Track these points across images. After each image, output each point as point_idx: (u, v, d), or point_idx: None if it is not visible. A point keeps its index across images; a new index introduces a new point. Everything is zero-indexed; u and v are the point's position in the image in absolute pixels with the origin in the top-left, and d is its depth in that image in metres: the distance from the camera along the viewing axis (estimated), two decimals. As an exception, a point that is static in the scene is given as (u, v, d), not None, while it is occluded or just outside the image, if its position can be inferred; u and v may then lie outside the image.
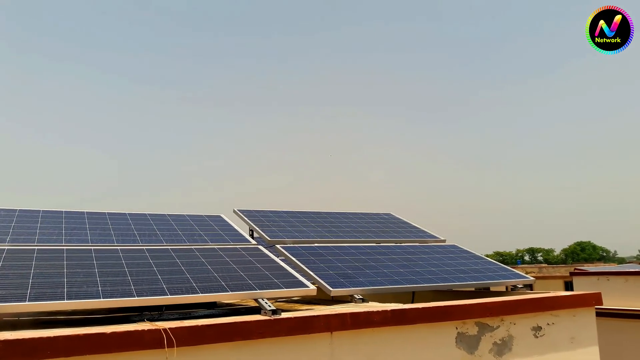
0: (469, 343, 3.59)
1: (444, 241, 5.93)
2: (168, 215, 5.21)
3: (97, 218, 4.85)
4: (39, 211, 4.79)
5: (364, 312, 3.21)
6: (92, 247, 3.98)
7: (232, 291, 3.27)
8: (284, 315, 3.05)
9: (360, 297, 4.01)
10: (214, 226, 5.01)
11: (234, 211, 5.69)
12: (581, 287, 10.01)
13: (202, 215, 5.38)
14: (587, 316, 4.21)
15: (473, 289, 5.15)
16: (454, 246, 5.75)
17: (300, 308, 3.82)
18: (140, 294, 3.11)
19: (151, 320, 3.20)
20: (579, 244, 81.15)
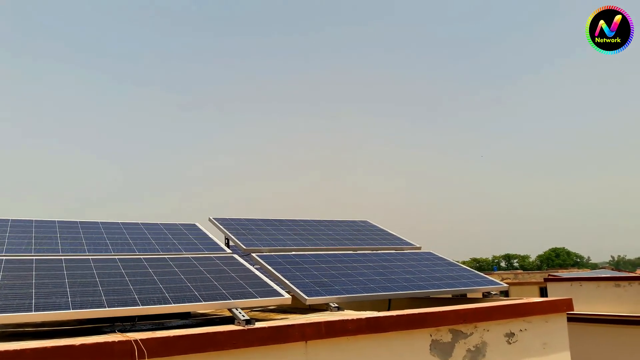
0: (443, 350, 3.61)
1: (419, 248, 5.97)
2: (141, 224, 5.14)
3: (68, 227, 4.76)
4: (7, 220, 4.68)
5: (339, 321, 3.20)
6: (62, 257, 3.90)
7: (205, 301, 3.24)
8: (257, 325, 3.03)
9: (336, 305, 4.01)
10: (189, 235, 4.96)
11: (210, 219, 5.64)
12: (555, 292, 10.17)
13: (176, 224, 5.32)
14: (559, 322, 4.28)
15: (450, 296, 5.20)
16: (429, 253, 5.79)
17: (275, 317, 3.80)
18: (111, 304, 3.05)
19: (123, 331, 3.14)
20: (554, 250, 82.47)
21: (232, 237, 5.17)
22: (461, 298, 5.17)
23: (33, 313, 2.81)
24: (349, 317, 3.27)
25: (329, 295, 4.01)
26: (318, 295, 3.96)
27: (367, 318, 3.31)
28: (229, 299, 3.31)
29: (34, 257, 3.81)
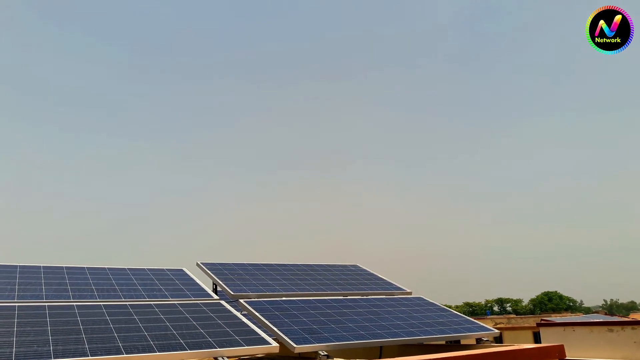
0: (434, 400, 3.53)
1: (410, 293, 5.91)
2: (128, 269, 5.07)
3: (54, 273, 4.68)
4: (-9, 266, 4.60)
5: (327, 370, 3.13)
6: (46, 304, 3.83)
7: (190, 350, 3.17)
8: (244, 374, 2.96)
9: (325, 353, 3.92)
10: (176, 280, 4.89)
11: (198, 264, 5.58)
12: (548, 338, 10.02)
13: (163, 268, 5.25)
14: (552, 369, 4.21)
15: (444, 342, 5.11)
16: (420, 298, 5.74)
17: (263, 366, 3.72)
18: (94, 353, 2.98)
19: (105, 381, 3.06)
20: (546, 294, 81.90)
21: (220, 282, 5.10)
22: (454, 345, 5.09)
23: (12, 363, 2.73)
24: (338, 366, 3.21)
25: (318, 342, 3.93)
26: (307, 343, 3.88)
27: (356, 367, 3.24)
28: (215, 347, 3.24)
29: (16, 304, 3.73)
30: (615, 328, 9.10)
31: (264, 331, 3.74)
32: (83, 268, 4.95)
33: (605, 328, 9.26)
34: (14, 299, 3.86)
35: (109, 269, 5.02)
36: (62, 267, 4.91)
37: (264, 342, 3.45)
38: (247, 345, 3.36)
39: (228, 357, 3.18)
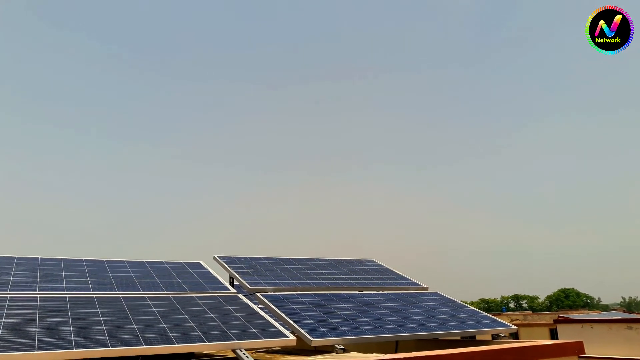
0: (451, 394, 3.51)
1: (426, 289, 5.89)
2: (146, 262, 5.13)
3: (73, 265, 4.75)
4: (13, 258, 4.69)
5: (344, 363, 3.14)
6: (67, 295, 3.89)
7: (209, 341, 3.20)
8: (262, 366, 2.98)
9: (342, 347, 3.94)
10: (193, 274, 4.93)
11: (215, 258, 5.62)
12: (566, 334, 9.94)
13: (181, 262, 5.30)
14: (570, 366, 4.17)
15: (459, 338, 5.10)
16: (436, 294, 5.72)
17: (280, 359, 3.74)
18: (114, 344, 3.02)
19: (125, 372, 3.10)
20: (563, 290, 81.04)
21: (237, 276, 5.13)
22: (470, 340, 5.07)
23: (35, 352, 2.79)
24: (355, 360, 3.21)
25: (334, 336, 3.95)
26: (324, 337, 3.90)
27: (373, 360, 3.25)
28: (233, 340, 3.27)
29: (38, 295, 3.80)
30: (634, 325, 8.98)
31: (281, 324, 3.76)
32: (102, 261, 5.02)
33: (624, 325, 9.15)
34: (36, 291, 3.93)
35: (128, 261, 5.08)
36: (82, 259, 4.98)
37: (281, 335, 3.47)
38: (265, 338, 3.38)
39: (246, 350, 3.20)
